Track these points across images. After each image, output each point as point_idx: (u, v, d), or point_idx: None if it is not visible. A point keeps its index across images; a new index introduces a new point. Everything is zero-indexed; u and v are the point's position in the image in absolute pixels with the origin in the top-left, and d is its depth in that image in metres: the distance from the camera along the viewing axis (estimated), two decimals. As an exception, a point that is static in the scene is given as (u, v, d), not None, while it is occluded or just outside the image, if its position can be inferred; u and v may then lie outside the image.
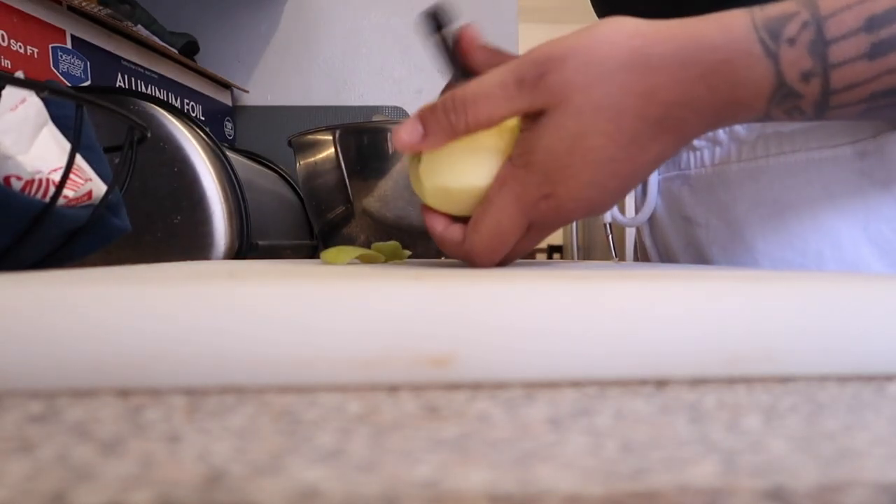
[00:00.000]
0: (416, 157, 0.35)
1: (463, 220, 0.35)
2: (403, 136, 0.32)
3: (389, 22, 1.43)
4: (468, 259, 0.34)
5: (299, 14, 1.41)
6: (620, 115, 0.30)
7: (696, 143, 0.47)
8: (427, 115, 0.32)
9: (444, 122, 0.31)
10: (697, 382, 0.18)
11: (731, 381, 0.18)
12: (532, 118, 0.31)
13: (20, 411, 0.15)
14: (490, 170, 0.33)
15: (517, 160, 0.32)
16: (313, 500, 0.10)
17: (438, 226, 0.35)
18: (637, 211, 0.55)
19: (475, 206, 0.33)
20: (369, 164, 0.62)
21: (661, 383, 0.18)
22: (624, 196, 0.34)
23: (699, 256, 0.48)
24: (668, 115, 0.30)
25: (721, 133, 0.45)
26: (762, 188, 0.43)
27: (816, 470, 0.11)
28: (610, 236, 0.60)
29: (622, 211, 0.56)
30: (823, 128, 0.40)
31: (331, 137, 0.63)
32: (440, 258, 0.61)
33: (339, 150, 0.63)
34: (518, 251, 0.35)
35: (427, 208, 0.36)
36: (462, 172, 0.33)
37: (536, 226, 0.33)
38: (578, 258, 1.71)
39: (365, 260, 0.42)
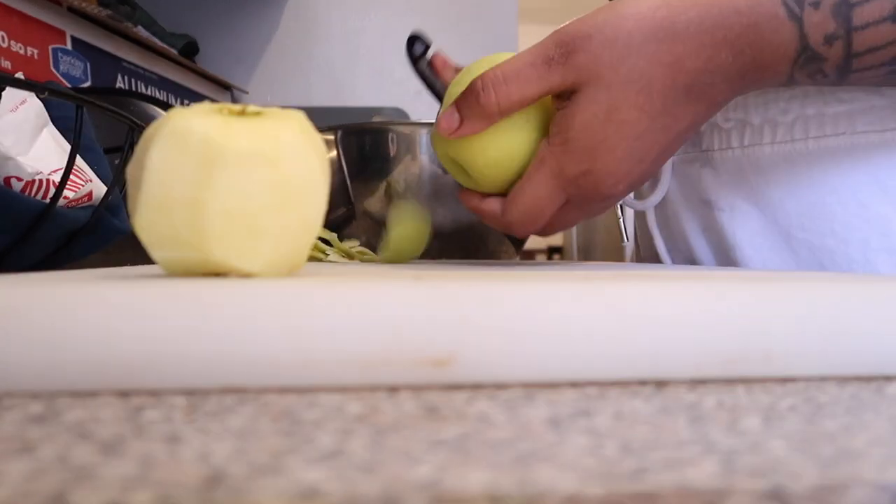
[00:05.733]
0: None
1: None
2: (443, 124, 0.34)
3: (389, 23, 1.43)
4: (507, 230, 0.36)
5: (299, 15, 1.41)
6: (650, 86, 0.31)
7: (721, 123, 0.45)
8: (461, 102, 0.33)
9: (476, 106, 0.32)
10: (697, 383, 0.18)
11: (731, 382, 0.18)
12: (564, 97, 0.32)
13: (20, 411, 0.15)
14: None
15: (554, 139, 0.33)
16: (313, 501, 0.10)
17: (474, 200, 0.37)
18: (642, 194, 0.52)
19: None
20: (371, 166, 0.62)
21: (660, 384, 0.18)
22: (661, 165, 0.35)
23: (719, 241, 0.46)
24: (696, 81, 0.31)
25: (753, 114, 0.43)
26: (800, 172, 0.41)
27: (816, 470, 0.11)
28: (621, 219, 0.58)
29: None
30: (871, 111, 0.38)
31: (332, 138, 0.63)
32: (440, 259, 0.62)
33: (340, 151, 0.63)
34: (559, 223, 0.36)
35: (462, 189, 0.38)
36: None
37: (575, 201, 0.35)
38: (578, 259, 1.71)
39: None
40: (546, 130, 0.34)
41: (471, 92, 0.32)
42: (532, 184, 0.33)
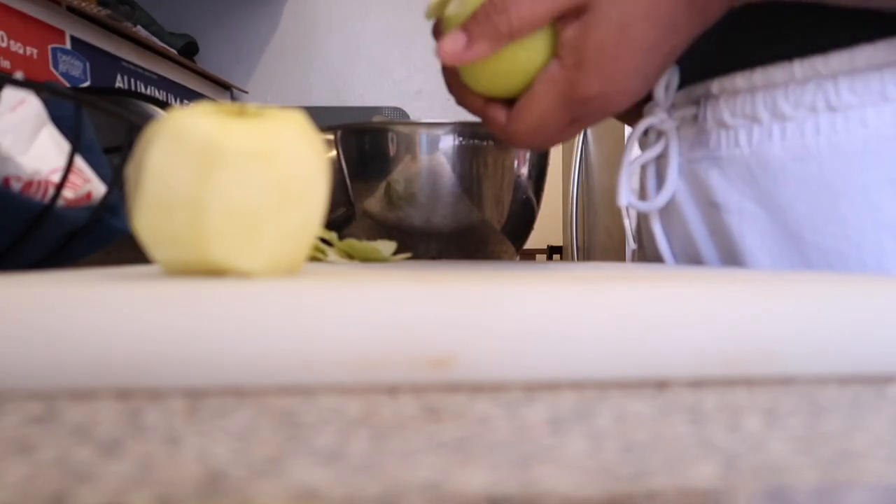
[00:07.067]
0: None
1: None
2: (446, 46, 0.33)
3: (389, 23, 1.43)
4: (508, 140, 0.37)
5: (299, 15, 1.41)
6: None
7: (729, 121, 0.43)
8: (470, 23, 0.33)
9: (488, 26, 0.32)
10: (698, 384, 0.18)
11: (732, 383, 0.18)
12: (573, 18, 0.32)
13: (20, 412, 0.15)
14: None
15: (568, 60, 0.33)
16: (313, 502, 0.10)
17: (478, 103, 0.37)
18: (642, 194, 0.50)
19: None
20: (371, 166, 0.62)
21: (661, 384, 0.18)
22: (658, 79, 0.37)
23: (727, 245, 0.45)
24: None
25: (762, 111, 0.41)
26: (811, 173, 0.39)
27: (817, 471, 0.11)
28: (628, 220, 0.56)
29: (644, 197, 0.51)
30: (884, 104, 0.37)
31: (332, 138, 0.63)
32: (440, 259, 0.62)
33: (340, 151, 0.63)
34: (558, 138, 0.38)
35: (463, 89, 0.38)
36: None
37: (581, 120, 0.36)
38: (578, 259, 1.71)
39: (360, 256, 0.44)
40: (550, 43, 0.33)
41: (481, 13, 0.32)
42: (540, 103, 0.34)
